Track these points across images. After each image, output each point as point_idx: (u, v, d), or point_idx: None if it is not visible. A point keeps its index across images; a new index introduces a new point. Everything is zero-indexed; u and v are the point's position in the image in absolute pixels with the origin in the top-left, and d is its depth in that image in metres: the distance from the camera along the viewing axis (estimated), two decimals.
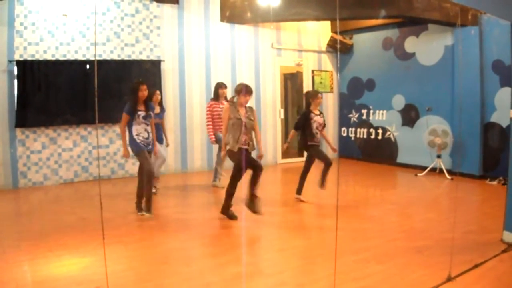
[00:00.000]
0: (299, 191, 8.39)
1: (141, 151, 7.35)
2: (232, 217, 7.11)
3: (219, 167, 9.70)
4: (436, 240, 6.13)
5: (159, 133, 8.63)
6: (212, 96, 9.66)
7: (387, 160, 12.82)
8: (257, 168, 6.98)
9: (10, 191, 9.57)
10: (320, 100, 8.38)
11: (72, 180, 10.39)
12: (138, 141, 7.31)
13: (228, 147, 6.98)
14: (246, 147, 7.02)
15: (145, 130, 7.40)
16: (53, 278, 4.87)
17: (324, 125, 8.41)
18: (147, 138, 7.43)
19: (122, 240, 6.16)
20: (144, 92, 7.38)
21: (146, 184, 7.34)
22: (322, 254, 5.73)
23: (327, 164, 8.19)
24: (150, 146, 7.52)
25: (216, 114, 9.20)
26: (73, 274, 4.95)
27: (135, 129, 7.32)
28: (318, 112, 8.32)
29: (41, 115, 9.83)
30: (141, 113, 7.33)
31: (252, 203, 7.04)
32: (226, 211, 7.14)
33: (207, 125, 9.37)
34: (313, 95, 8.35)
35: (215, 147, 12.02)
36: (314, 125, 8.17)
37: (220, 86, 9.37)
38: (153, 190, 8.70)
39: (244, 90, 7.04)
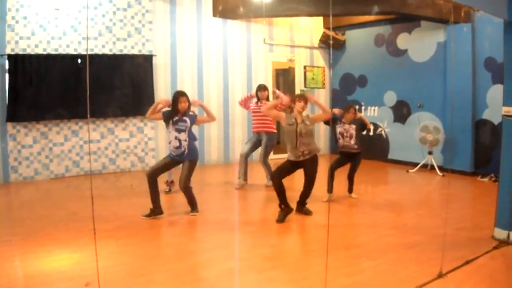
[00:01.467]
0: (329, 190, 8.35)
1: (166, 157, 7.30)
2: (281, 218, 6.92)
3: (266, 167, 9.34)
4: (427, 237, 6.14)
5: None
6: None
7: (378, 157, 12.82)
8: (308, 182, 7.16)
9: (1, 186, 9.53)
10: (352, 115, 8.41)
11: (63, 175, 10.36)
12: (169, 149, 7.17)
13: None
14: (301, 159, 7.02)
15: (176, 138, 7.01)
16: (44, 273, 4.85)
17: (354, 134, 8.54)
18: (179, 147, 7.03)
19: (113, 235, 6.14)
20: (183, 104, 7.00)
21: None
22: (313, 250, 5.74)
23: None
24: (183, 156, 7.10)
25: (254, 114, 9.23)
26: (64, 270, 4.94)
27: (167, 136, 7.23)
28: (348, 122, 8.39)
29: (32, 110, 9.78)
30: (175, 119, 7.01)
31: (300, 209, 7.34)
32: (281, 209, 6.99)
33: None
34: (346, 109, 8.43)
35: (211, 143, 12.10)
36: (338, 131, 8.47)
37: (259, 88, 9.23)
38: (167, 190, 8.77)
39: (298, 98, 7.21)
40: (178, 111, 6.98)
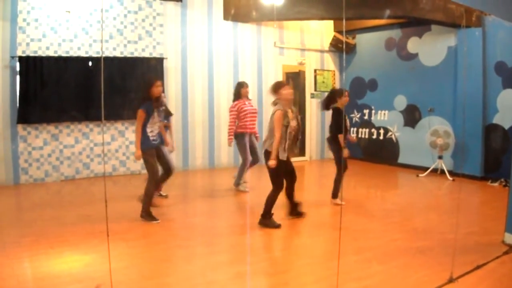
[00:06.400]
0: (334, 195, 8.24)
1: (150, 150, 7.06)
2: (274, 225, 6.75)
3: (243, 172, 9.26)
4: (437, 241, 6.13)
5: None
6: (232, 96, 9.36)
7: (388, 161, 12.81)
8: (293, 176, 6.99)
9: (11, 187, 9.58)
10: (346, 98, 8.11)
11: (74, 177, 10.39)
12: (150, 137, 6.99)
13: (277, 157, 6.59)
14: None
15: (158, 126, 7.11)
16: (54, 275, 4.87)
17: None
18: (158, 133, 7.10)
19: (124, 237, 6.15)
20: (158, 88, 7.02)
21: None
22: (324, 254, 5.74)
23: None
24: (161, 139, 7.23)
25: (243, 113, 8.98)
26: (74, 271, 4.95)
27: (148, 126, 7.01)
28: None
29: (43, 112, 9.84)
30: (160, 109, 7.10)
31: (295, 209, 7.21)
32: (266, 221, 6.76)
33: (230, 126, 9.05)
34: (340, 93, 8.15)
35: (220, 146, 12.11)
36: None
37: (241, 85, 9.12)
38: (164, 194, 8.67)
39: (287, 86, 6.69)
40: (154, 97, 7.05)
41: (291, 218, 7.20)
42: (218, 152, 12.21)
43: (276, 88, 6.70)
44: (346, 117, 8.18)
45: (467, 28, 10.39)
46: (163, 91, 7.72)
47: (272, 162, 6.44)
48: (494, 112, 10.27)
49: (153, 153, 7.05)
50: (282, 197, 6.91)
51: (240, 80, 12.04)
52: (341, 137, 7.84)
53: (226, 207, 8.38)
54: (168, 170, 7.42)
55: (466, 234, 6.37)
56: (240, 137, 9.01)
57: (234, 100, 9.14)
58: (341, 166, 8.05)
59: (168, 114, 8.39)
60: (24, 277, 4.84)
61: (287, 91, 6.62)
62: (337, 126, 7.94)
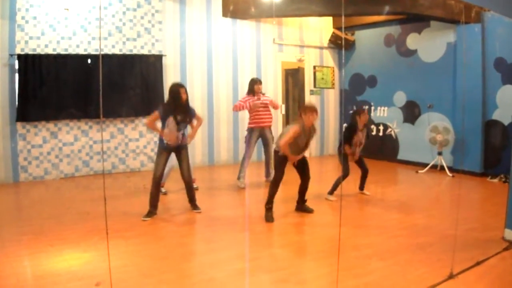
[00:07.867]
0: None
1: (160, 150, 7.15)
2: (267, 219, 6.94)
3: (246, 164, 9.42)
4: (437, 237, 6.12)
5: None
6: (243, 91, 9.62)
7: (388, 157, 12.79)
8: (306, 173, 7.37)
9: (11, 185, 9.57)
10: (366, 116, 8.42)
11: (73, 175, 10.38)
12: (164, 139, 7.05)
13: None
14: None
15: (176, 135, 7.06)
16: (54, 272, 4.86)
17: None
18: (176, 138, 7.05)
19: (123, 235, 6.15)
20: (183, 95, 7.01)
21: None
22: (323, 251, 5.72)
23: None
24: (180, 144, 7.20)
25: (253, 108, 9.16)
26: (74, 269, 4.95)
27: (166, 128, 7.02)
28: (362, 127, 8.41)
29: (42, 109, 9.82)
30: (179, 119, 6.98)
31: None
32: (265, 211, 7.02)
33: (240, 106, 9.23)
34: (359, 112, 8.40)
35: (220, 143, 12.08)
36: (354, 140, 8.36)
37: (255, 82, 9.29)
38: (163, 191, 8.65)
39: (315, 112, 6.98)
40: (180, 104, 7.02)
41: (299, 213, 7.44)
42: (217, 149, 12.20)
43: (305, 109, 6.97)
44: (363, 133, 8.45)
45: (466, 24, 10.37)
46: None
47: (291, 159, 7.02)
48: (493, 108, 10.25)
49: (164, 154, 7.14)
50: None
51: (240, 77, 12.10)
52: (346, 147, 8.35)
53: (226, 204, 8.38)
54: (183, 177, 7.43)
55: (466, 230, 6.36)
56: (249, 131, 9.31)
57: (247, 94, 9.37)
58: (345, 169, 8.25)
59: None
60: (23, 275, 4.84)
61: (313, 117, 6.92)
62: (345, 139, 8.58)
